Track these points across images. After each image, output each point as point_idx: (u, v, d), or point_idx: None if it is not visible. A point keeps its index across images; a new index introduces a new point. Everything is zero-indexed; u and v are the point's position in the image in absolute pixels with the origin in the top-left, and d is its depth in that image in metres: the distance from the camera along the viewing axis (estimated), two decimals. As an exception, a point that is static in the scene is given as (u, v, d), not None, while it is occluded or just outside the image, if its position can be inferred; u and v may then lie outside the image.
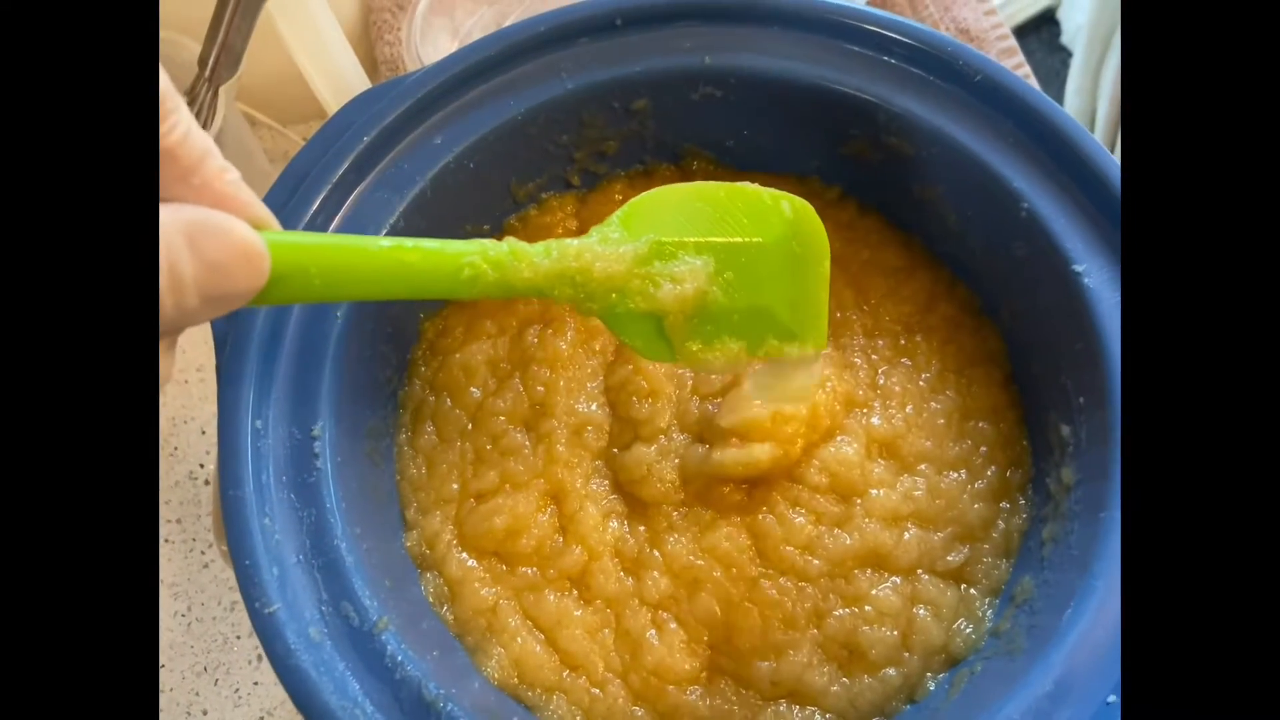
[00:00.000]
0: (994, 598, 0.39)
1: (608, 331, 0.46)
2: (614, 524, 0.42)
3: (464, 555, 0.42)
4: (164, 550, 0.59)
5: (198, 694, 0.55)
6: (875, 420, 0.43)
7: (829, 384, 0.42)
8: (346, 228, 0.41)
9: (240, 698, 0.56)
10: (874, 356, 0.45)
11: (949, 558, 0.40)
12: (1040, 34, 1.46)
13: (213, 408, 0.38)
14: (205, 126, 0.52)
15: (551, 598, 0.41)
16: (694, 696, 0.39)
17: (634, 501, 0.42)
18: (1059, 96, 1.28)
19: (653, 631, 0.40)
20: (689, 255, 0.33)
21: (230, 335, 0.38)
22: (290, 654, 0.33)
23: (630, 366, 0.44)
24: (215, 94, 0.52)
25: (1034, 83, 0.65)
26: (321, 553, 0.36)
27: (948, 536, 0.41)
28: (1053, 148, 0.40)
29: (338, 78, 0.56)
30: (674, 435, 0.43)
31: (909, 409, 0.43)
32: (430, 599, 0.41)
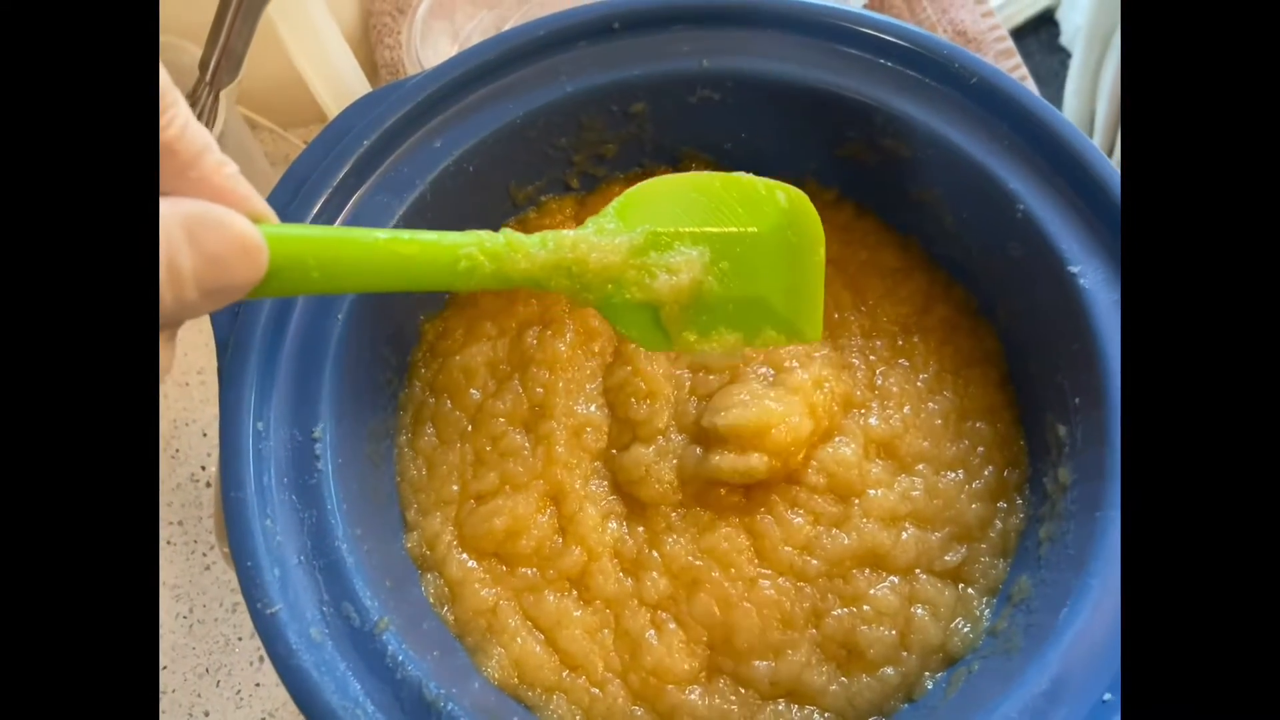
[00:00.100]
0: (991, 597, 0.40)
1: (606, 333, 0.46)
2: (613, 525, 0.42)
3: (464, 556, 0.42)
4: (166, 552, 0.59)
5: (199, 695, 0.56)
6: (873, 421, 0.43)
7: (827, 385, 0.42)
8: (346, 223, 0.41)
9: (242, 699, 0.56)
10: (872, 357, 0.45)
11: (947, 557, 0.40)
12: (1039, 35, 1.47)
13: (214, 410, 0.38)
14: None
15: (551, 598, 0.41)
16: (693, 696, 0.39)
17: (633, 502, 0.43)
18: (1058, 97, 1.29)
19: (652, 631, 0.40)
20: (684, 246, 0.33)
21: (232, 338, 0.39)
22: (292, 654, 0.33)
23: (629, 368, 0.44)
24: (216, 98, 0.52)
25: (1031, 84, 0.65)
26: (323, 554, 0.36)
27: (945, 536, 0.41)
28: (1048, 150, 0.40)
29: (338, 81, 0.57)
30: (672, 436, 0.43)
31: (906, 409, 0.43)
32: (431, 600, 0.41)
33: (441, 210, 0.43)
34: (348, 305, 0.40)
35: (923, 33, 0.42)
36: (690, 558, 0.41)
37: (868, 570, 0.40)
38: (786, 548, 0.40)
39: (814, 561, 0.40)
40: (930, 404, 0.44)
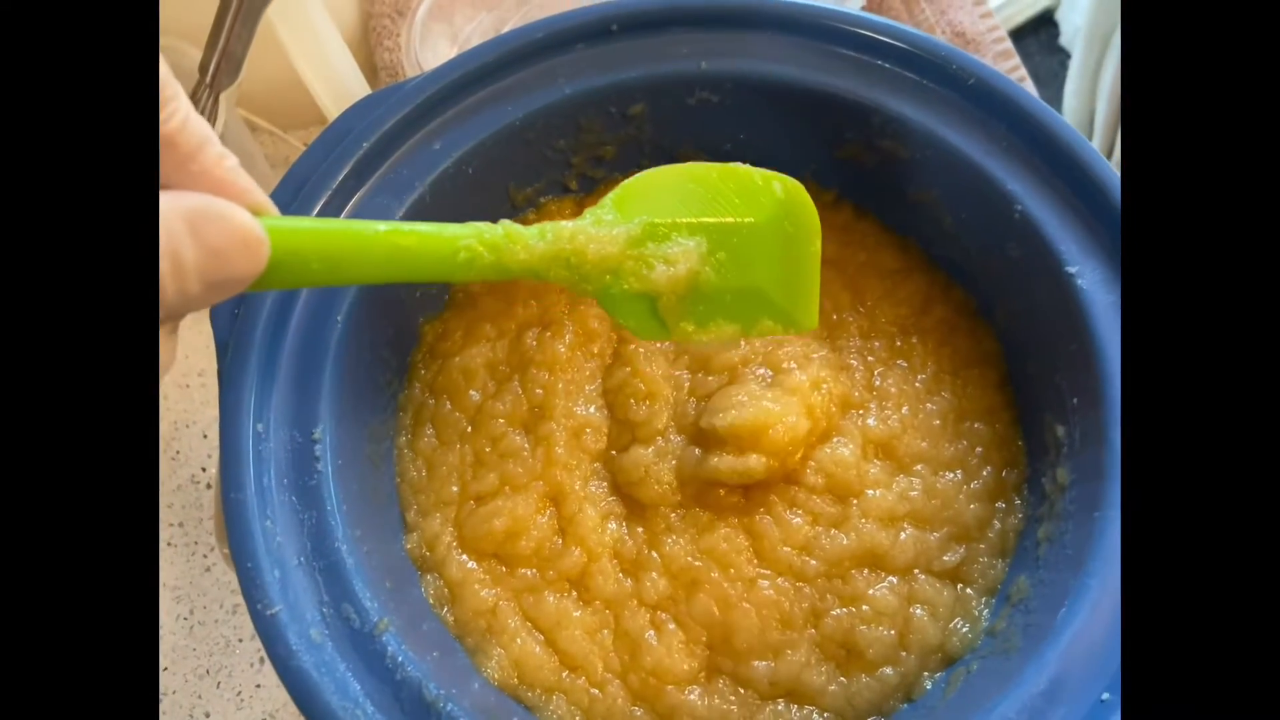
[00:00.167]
0: (990, 597, 0.40)
1: (606, 335, 0.46)
2: (612, 525, 0.42)
3: (464, 557, 0.42)
4: (166, 554, 0.59)
5: (200, 697, 0.56)
6: (871, 421, 0.43)
7: (825, 386, 0.42)
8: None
9: (242, 700, 0.56)
10: (870, 358, 0.45)
11: (945, 558, 0.40)
12: (1039, 35, 1.47)
13: (214, 412, 0.38)
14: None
15: (551, 599, 0.41)
16: (693, 696, 0.39)
17: (632, 503, 0.43)
18: (1057, 98, 1.29)
19: (651, 632, 0.40)
20: (682, 236, 0.34)
21: (232, 340, 0.39)
22: (292, 655, 0.33)
23: (628, 369, 0.45)
24: (216, 100, 0.52)
25: (1030, 85, 0.65)
26: (322, 555, 0.36)
27: (944, 536, 0.41)
28: (1046, 151, 0.40)
29: (337, 84, 0.57)
30: (671, 437, 0.43)
31: (905, 410, 0.43)
32: (430, 600, 0.41)
33: (441, 212, 0.43)
34: (347, 307, 0.40)
35: (920, 34, 0.42)
36: (689, 558, 0.41)
37: (866, 570, 0.40)
38: (785, 548, 0.41)
39: (813, 562, 0.40)
40: (929, 404, 0.44)
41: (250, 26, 0.50)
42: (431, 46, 0.66)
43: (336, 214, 0.41)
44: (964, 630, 0.39)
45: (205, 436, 0.62)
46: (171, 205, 0.23)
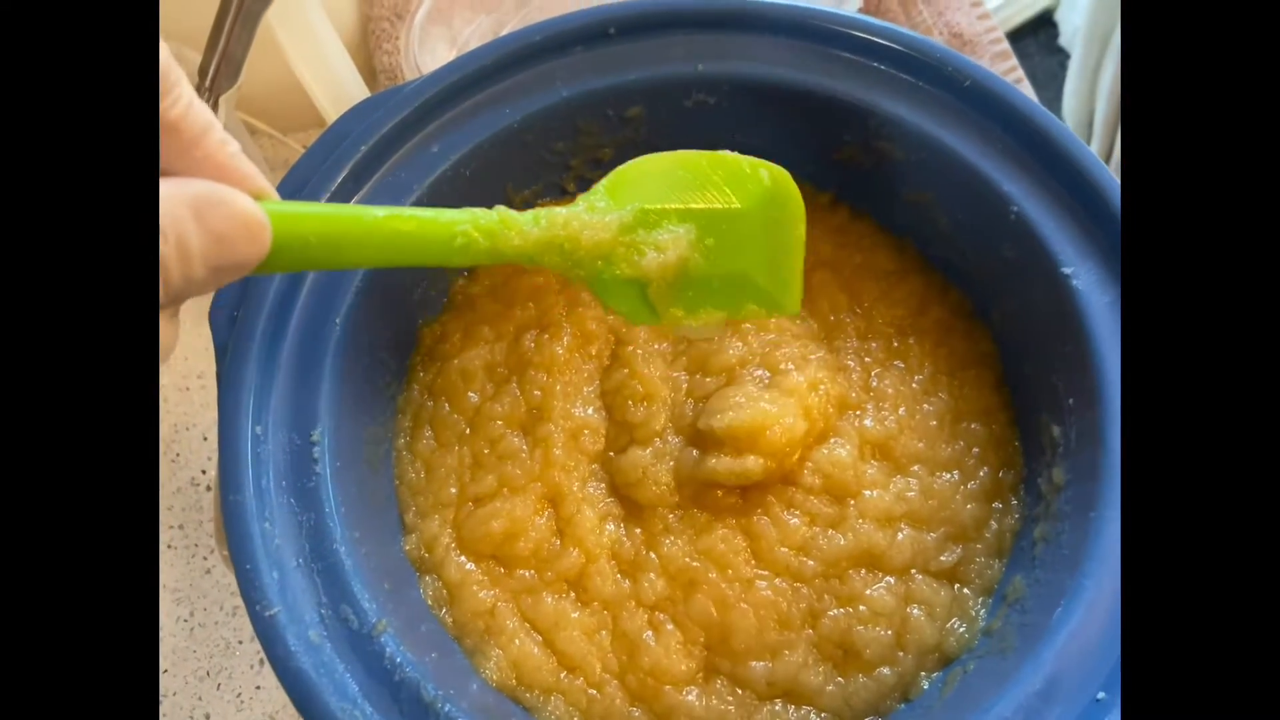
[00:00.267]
0: (987, 597, 0.40)
1: (603, 337, 0.46)
2: (611, 527, 0.42)
3: (462, 558, 0.42)
4: (166, 556, 0.59)
5: (200, 698, 0.56)
6: (868, 422, 0.43)
7: (822, 387, 0.42)
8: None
9: (243, 702, 0.56)
10: (867, 359, 0.45)
11: (942, 558, 0.41)
12: (1038, 36, 1.47)
13: (214, 414, 0.38)
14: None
15: (549, 600, 0.41)
16: (690, 697, 0.39)
17: (630, 504, 0.43)
18: (1057, 98, 1.29)
19: (649, 633, 0.40)
20: (672, 223, 0.34)
21: (230, 343, 0.39)
22: (290, 656, 0.33)
23: (626, 370, 0.45)
24: (216, 103, 0.53)
25: (1027, 86, 0.65)
26: (321, 556, 0.36)
27: (941, 537, 0.41)
28: (1041, 151, 0.40)
29: (336, 87, 0.57)
30: (669, 438, 0.43)
31: (902, 411, 0.44)
32: (429, 602, 0.41)
33: (439, 214, 0.44)
34: (346, 310, 0.41)
35: (916, 36, 0.43)
36: (687, 559, 0.41)
37: (864, 571, 0.40)
38: (783, 549, 0.41)
39: (810, 562, 0.40)
40: (925, 405, 0.44)
41: (249, 30, 0.50)
42: (430, 49, 0.66)
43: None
44: (961, 630, 0.39)
45: (205, 439, 0.62)
46: (177, 192, 0.24)
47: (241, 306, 0.39)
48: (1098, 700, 0.32)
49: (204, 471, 0.62)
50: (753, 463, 0.40)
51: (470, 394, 0.45)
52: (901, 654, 0.39)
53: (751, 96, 0.45)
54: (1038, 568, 0.38)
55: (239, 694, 0.56)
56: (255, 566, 0.35)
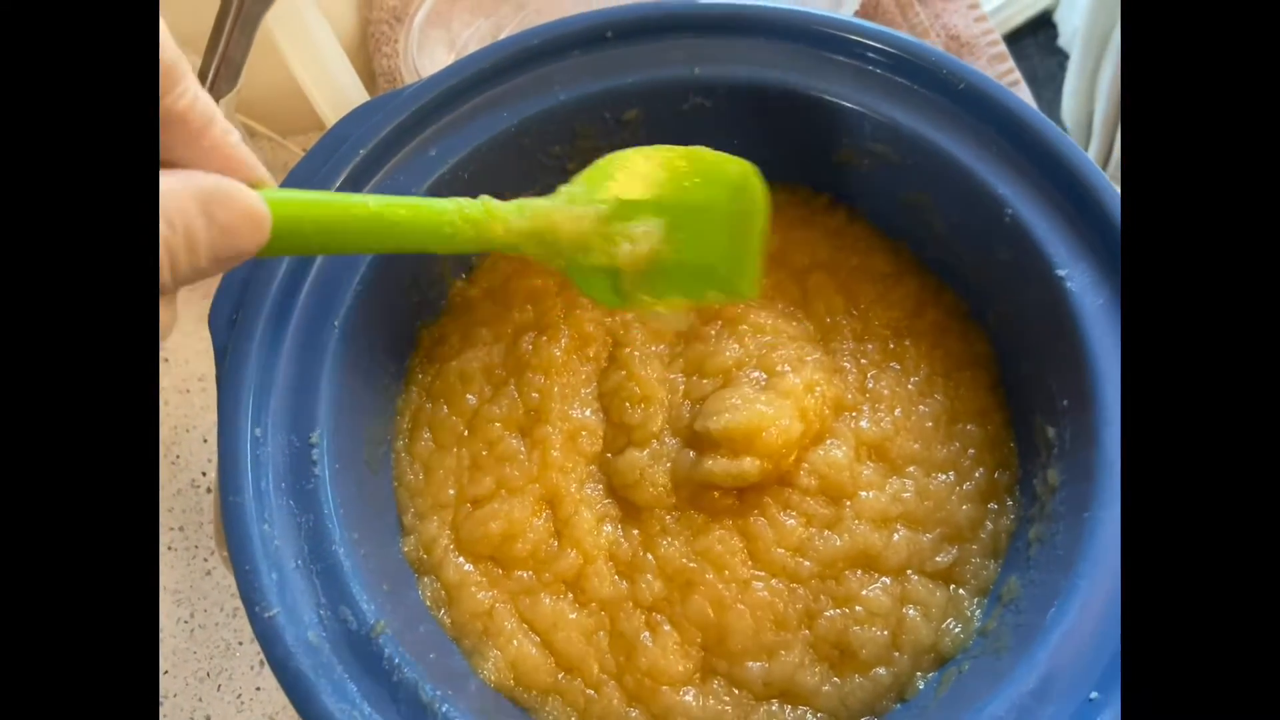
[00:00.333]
0: (982, 597, 0.40)
1: (601, 339, 0.47)
2: (608, 528, 0.43)
3: (461, 560, 0.42)
4: (167, 558, 0.59)
5: (201, 699, 0.56)
6: (864, 424, 0.43)
7: (818, 388, 0.43)
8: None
9: (243, 703, 0.56)
10: (863, 361, 0.46)
11: (938, 558, 0.41)
12: (1037, 37, 1.47)
13: (214, 417, 0.39)
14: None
15: (547, 601, 0.41)
16: (687, 697, 0.39)
17: (628, 505, 0.43)
18: (1056, 99, 1.29)
19: (646, 633, 0.40)
20: (646, 215, 0.35)
21: (230, 345, 0.39)
22: (289, 657, 0.34)
23: (623, 372, 0.45)
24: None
25: (1024, 89, 0.65)
26: (320, 558, 0.37)
27: (936, 537, 0.41)
28: (1035, 155, 0.41)
29: (335, 90, 0.57)
30: (666, 440, 0.43)
31: (898, 412, 0.44)
32: (428, 603, 0.42)
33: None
34: (345, 312, 0.41)
35: (911, 40, 0.43)
36: (684, 560, 0.41)
37: (860, 571, 0.41)
38: (779, 549, 0.41)
39: (806, 563, 0.41)
40: (921, 406, 0.44)
41: (249, 33, 0.51)
42: (429, 53, 0.66)
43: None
44: (956, 630, 0.39)
45: (205, 441, 0.63)
46: (186, 186, 0.24)
47: (241, 310, 0.40)
48: (1091, 700, 0.32)
49: (204, 473, 0.62)
50: (749, 464, 0.40)
51: (468, 396, 0.45)
52: (897, 654, 0.39)
53: (748, 100, 0.45)
54: (1032, 568, 0.38)
55: (239, 695, 0.56)
56: (254, 568, 0.35)
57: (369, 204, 0.31)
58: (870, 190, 0.47)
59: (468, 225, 0.33)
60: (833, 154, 0.46)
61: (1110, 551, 0.34)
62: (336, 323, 0.41)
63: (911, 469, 0.43)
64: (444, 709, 0.35)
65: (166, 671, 0.57)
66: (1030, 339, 0.41)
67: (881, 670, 0.39)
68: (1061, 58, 1.40)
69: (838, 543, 0.41)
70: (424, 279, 0.47)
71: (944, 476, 0.42)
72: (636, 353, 0.46)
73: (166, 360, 0.64)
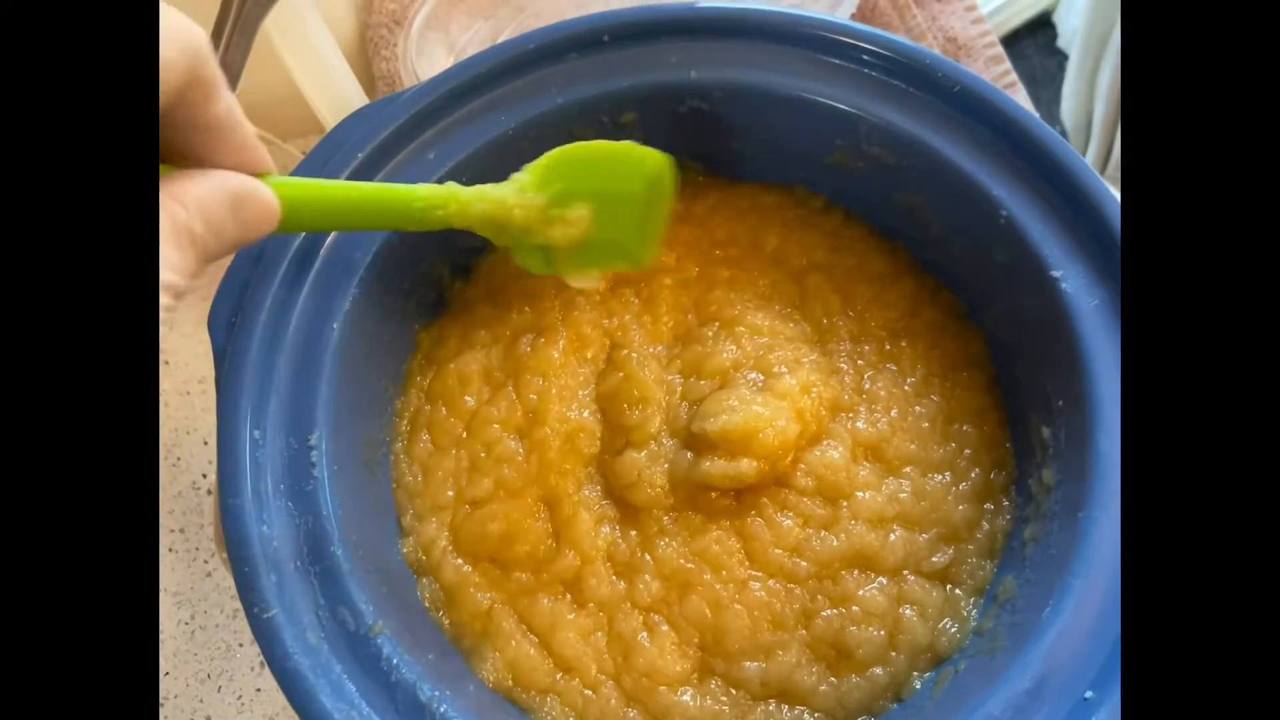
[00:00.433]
0: (978, 597, 0.40)
1: (599, 341, 0.47)
2: (606, 529, 0.43)
3: (459, 561, 0.42)
4: (167, 559, 0.60)
5: (201, 700, 0.56)
6: (861, 424, 0.44)
7: (815, 389, 0.43)
8: (342, 238, 0.42)
9: (243, 704, 0.56)
10: (860, 361, 0.46)
11: (934, 559, 0.41)
12: (1036, 38, 1.47)
13: (214, 419, 0.39)
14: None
15: (545, 602, 0.41)
16: (685, 697, 0.40)
17: (625, 507, 0.43)
18: (1055, 99, 1.29)
19: (644, 634, 0.40)
20: (579, 203, 0.41)
21: (229, 347, 0.39)
22: (288, 657, 0.34)
23: (621, 374, 0.45)
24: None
25: (1021, 90, 0.66)
26: (319, 559, 0.37)
27: (933, 538, 0.41)
28: (1030, 156, 0.41)
29: (335, 93, 0.57)
30: (664, 441, 0.44)
31: (894, 413, 0.44)
32: (427, 604, 0.42)
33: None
34: (343, 314, 0.41)
35: (906, 42, 0.43)
36: (682, 561, 0.41)
37: (856, 571, 0.41)
38: (776, 550, 0.41)
39: (803, 563, 0.41)
40: (918, 407, 0.44)
41: (248, 37, 0.51)
42: (428, 56, 0.66)
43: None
44: (952, 630, 0.39)
45: (206, 443, 0.63)
46: (221, 188, 0.27)
47: (240, 312, 0.40)
48: (1086, 699, 0.32)
49: (205, 475, 0.62)
50: (746, 465, 0.40)
51: (467, 398, 0.46)
52: (894, 654, 0.39)
53: (744, 102, 0.45)
54: (1028, 568, 0.38)
55: (239, 696, 0.57)
56: (253, 569, 0.35)
57: (355, 189, 0.35)
58: (866, 192, 0.47)
59: (433, 208, 0.37)
60: (828, 156, 0.47)
61: (1105, 551, 0.34)
62: (335, 325, 0.41)
63: (908, 469, 0.43)
64: (442, 709, 0.35)
65: (167, 673, 0.57)
66: (1026, 340, 0.42)
67: (878, 670, 0.39)
68: (1060, 58, 1.41)
69: (834, 543, 0.41)
70: (422, 281, 0.47)
71: (940, 477, 0.43)
72: (634, 354, 0.46)
73: (167, 363, 0.65)
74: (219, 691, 0.57)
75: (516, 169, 0.47)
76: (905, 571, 0.41)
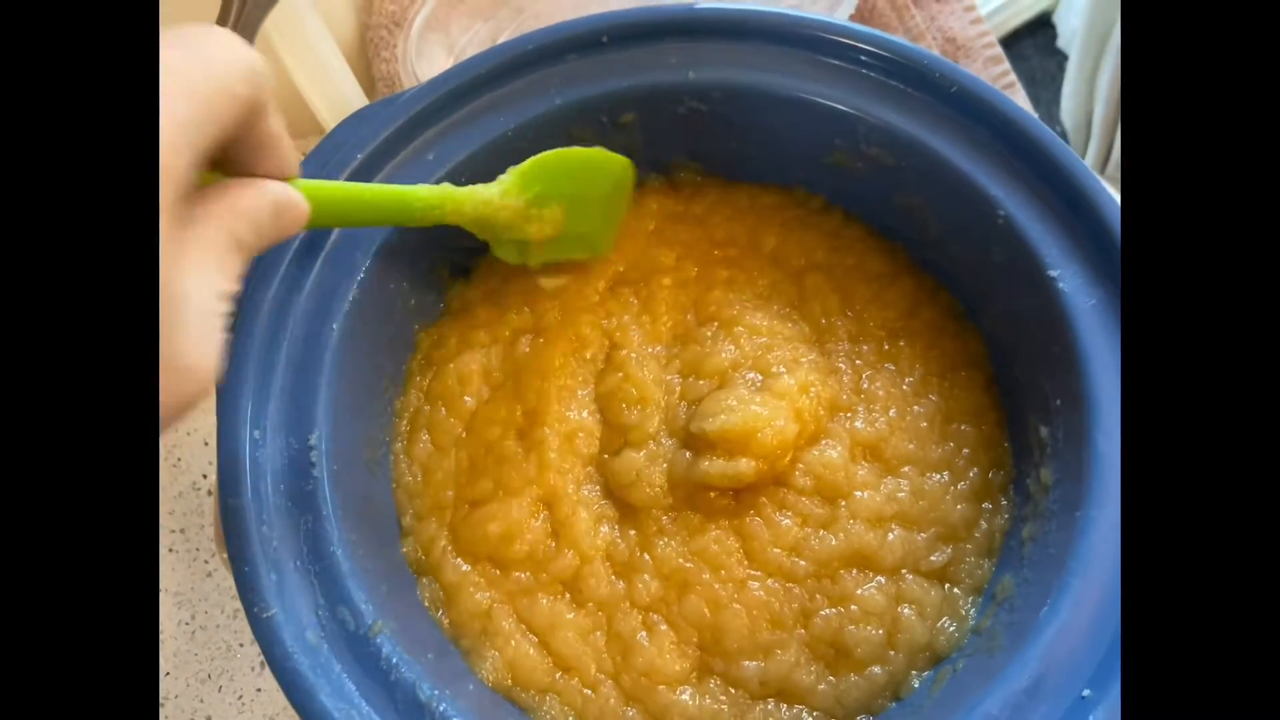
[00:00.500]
0: (977, 596, 0.40)
1: (598, 341, 0.47)
2: (605, 529, 0.43)
3: (459, 561, 0.43)
4: (168, 560, 0.60)
5: (202, 700, 0.56)
6: (859, 424, 0.44)
7: (813, 389, 0.43)
8: (342, 239, 0.43)
9: (244, 704, 0.57)
10: (858, 361, 0.46)
11: (932, 558, 0.41)
12: (1036, 38, 1.47)
13: (215, 419, 0.39)
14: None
15: (544, 601, 0.42)
16: (684, 696, 0.40)
17: (624, 506, 0.43)
18: (1055, 100, 1.29)
19: (643, 633, 0.41)
20: (555, 202, 0.44)
21: (229, 348, 0.39)
22: (288, 656, 0.34)
23: (620, 374, 0.45)
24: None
25: (1020, 91, 0.66)
26: (318, 559, 0.37)
27: (931, 537, 0.41)
28: (1027, 156, 0.41)
29: (334, 95, 0.57)
30: (663, 441, 0.44)
31: (892, 412, 0.44)
32: (426, 603, 0.42)
33: (434, 221, 0.44)
34: (343, 315, 0.41)
35: (903, 43, 0.43)
36: (681, 560, 0.41)
37: (855, 571, 0.41)
38: (775, 549, 0.41)
39: (802, 563, 0.41)
40: (916, 407, 0.44)
41: (248, 38, 0.51)
42: (428, 57, 0.66)
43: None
44: (951, 629, 0.39)
45: (206, 444, 0.63)
46: (265, 196, 0.30)
47: (240, 312, 0.40)
48: (1083, 697, 0.32)
49: (205, 476, 0.62)
50: (745, 465, 0.41)
51: (466, 398, 0.46)
52: (892, 653, 0.39)
53: (743, 103, 0.45)
54: (1026, 567, 0.38)
55: (240, 696, 0.57)
56: (253, 569, 0.35)
57: (365, 190, 0.39)
58: (865, 192, 0.47)
59: (430, 207, 0.40)
60: (827, 156, 0.47)
61: (1102, 550, 0.34)
62: (335, 325, 0.41)
63: (906, 469, 0.43)
64: (442, 708, 0.35)
65: (168, 673, 0.57)
66: (1024, 339, 0.42)
67: (877, 669, 0.39)
68: (1060, 59, 1.41)
69: (833, 542, 0.41)
70: (422, 282, 0.47)
71: (939, 476, 0.43)
72: (633, 354, 0.46)
73: (168, 364, 0.65)
74: (219, 691, 0.57)
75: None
76: (904, 571, 0.41)
